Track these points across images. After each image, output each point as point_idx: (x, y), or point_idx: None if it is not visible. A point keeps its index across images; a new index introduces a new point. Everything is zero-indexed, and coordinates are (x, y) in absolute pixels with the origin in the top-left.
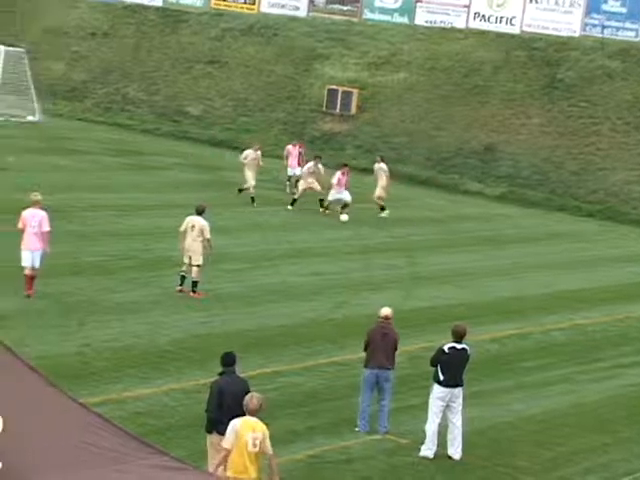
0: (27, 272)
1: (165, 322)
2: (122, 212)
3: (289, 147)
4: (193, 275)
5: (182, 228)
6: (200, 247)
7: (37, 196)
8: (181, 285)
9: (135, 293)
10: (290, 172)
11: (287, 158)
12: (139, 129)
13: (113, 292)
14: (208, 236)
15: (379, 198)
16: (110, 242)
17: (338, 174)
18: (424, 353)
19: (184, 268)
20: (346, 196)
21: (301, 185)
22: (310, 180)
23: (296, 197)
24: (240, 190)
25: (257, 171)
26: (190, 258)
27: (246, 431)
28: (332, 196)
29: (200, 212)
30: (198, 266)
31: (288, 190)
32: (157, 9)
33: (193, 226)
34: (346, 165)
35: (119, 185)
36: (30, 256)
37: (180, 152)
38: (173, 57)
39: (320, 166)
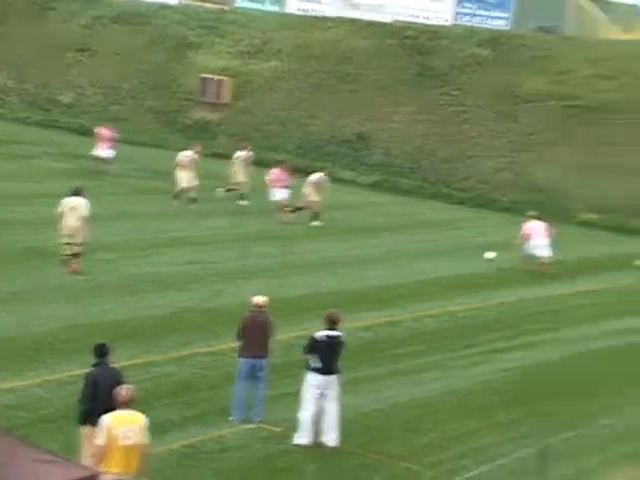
0: None
1: (40, 313)
2: None
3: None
4: (75, 250)
5: (59, 210)
6: (80, 227)
7: None
8: (67, 266)
9: (10, 284)
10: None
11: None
12: (9, 118)
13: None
14: (85, 214)
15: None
16: None
17: (276, 171)
18: (298, 341)
19: (67, 251)
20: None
21: (240, 177)
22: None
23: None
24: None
25: (195, 172)
26: (71, 237)
27: (117, 425)
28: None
29: (76, 193)
30: (79, 244)
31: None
32: None
33: (72, 207)
34: (284, 162)
35: None
36: None
37: (50, 141)
38: (43, 45)
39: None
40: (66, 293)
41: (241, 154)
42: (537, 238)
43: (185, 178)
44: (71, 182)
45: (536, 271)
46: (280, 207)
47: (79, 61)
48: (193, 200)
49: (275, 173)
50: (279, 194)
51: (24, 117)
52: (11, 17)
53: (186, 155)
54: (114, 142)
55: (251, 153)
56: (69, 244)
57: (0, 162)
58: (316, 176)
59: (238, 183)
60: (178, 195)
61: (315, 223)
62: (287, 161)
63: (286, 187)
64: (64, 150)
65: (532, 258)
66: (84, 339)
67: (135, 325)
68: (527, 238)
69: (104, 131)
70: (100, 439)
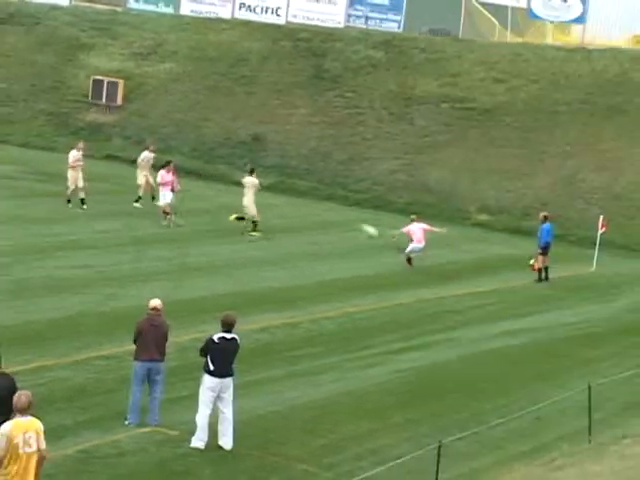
0: None
1: None
2: None
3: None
4: None
5: None
6: None
7: None
8: None
9: None
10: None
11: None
12: None
13: None
14: None
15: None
16: None
17: (162, 172)
18: (194, 344)
19: None
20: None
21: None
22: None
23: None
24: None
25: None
26: None
27: (18, 432)
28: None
29: None
30: None
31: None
32: None
33: None
34: (170, 162)
35: None
36: None
37: None
38: None
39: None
40: None
41: (147, 155)
42: (416, 243)
43: (74, 178)
44: None
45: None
46: (164, 209)
47: None
48: (81, 201)
49: (161, 175)
50: (163, 196)
51: None
52: None
53: (73, 155)
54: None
55: (153, 155)
56: None
57: None
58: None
59: (138, 186)
60: (70, 197)
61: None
62: (171, 163)
63: (171, 189)
64: None
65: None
66: None
67: (27, 329)
68: (409, 238)
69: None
70: (0, 449)
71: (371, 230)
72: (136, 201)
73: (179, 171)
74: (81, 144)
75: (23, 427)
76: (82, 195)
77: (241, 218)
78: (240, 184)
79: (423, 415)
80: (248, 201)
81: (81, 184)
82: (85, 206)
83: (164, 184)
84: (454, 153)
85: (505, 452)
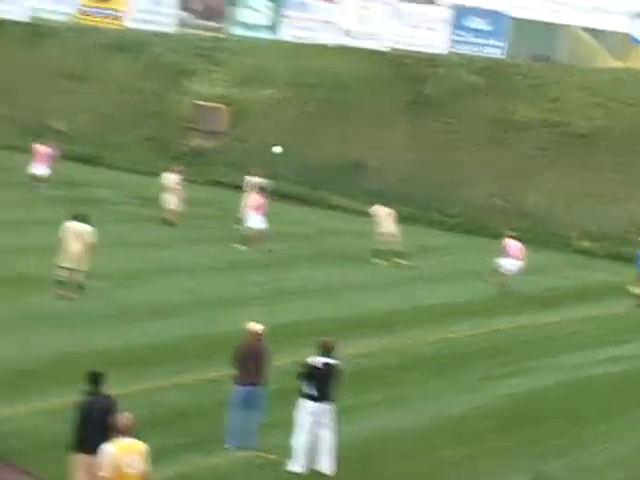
0: None
1: (32, 340)
2: None
3: None
4: (79, 280)
5: (63, 235)
6: (84, 253)
7: None
8: (61, 292)
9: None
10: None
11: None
12: (3, 145)
13: None
14: (91, 240)
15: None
16: None
17: (254, 196)
18: (293, 368)
19: (65, 274)
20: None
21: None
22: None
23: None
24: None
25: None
26: (72, 263)
27: (123, 454)
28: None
29: (81, 218)
30: (83, 271)
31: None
32: (20, 24)
33: (76, 233)
34: (262, 187)
35: None
36: None
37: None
38: (38, 73)
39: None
40: (59, 320)
41: (251, 179)
42: (512, 259)
43: (172, 201)
44: (66, 209)
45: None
46: (255, 235)
47: (74, 89)
48: (169, 222)
49: (252, 199)
50: (254, 221)
51: (18, 144)
52: (7, 44)
53: (171, 178)
54: (52, 160)
55: (257, 179)
56: (69, 269)
57: None
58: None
59: (242, 209)
60: (166, 220)
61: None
62: (264, 187)
63: (263, 214)
64: (59, 178)
65: (499, 274)
66: (77, 367)
67: (129, 353)
68: (506, 254)
69: (41, 149)
70: (105, 469)
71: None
72: (237, 224)
73: (280, 196)
74: (179, 168)
75: (127, 448)
76: (173, 218)
77: None
78: (340, 208)
79: (521, 441)
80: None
81: (179, 208)
82: (176, 229)
83: (255, 208)
84: (549, 177)
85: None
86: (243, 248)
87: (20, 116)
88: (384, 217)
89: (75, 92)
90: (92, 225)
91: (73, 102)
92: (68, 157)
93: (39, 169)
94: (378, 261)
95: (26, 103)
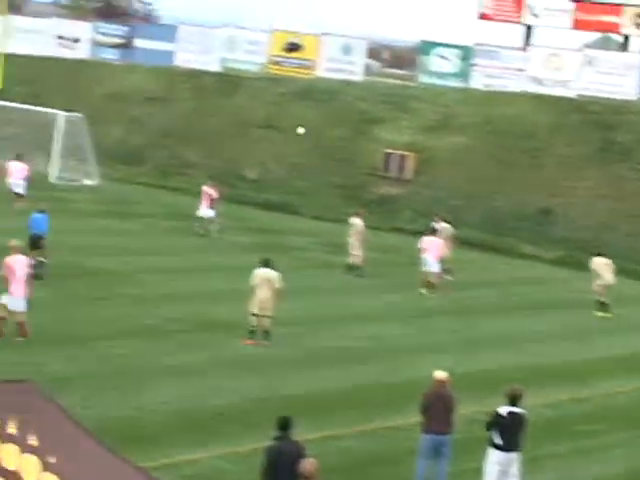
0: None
1: (220, 385)
2: (178, 274)
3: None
4: (266, 325)
5: (254, 282)
6: (272, 298)
7: (15, 242)
8: (251, 339)
9: (191, 356)
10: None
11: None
12: (195, 192)
13: (169, 354)
14: (278, 286)
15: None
16: (166, 305)
17: (426, 238)
18: (480, 417)
19: (254, 322)
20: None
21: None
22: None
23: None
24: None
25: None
26: (262, 309)
27: None
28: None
29: (267, 264)
30: (270, 317)
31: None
32: (214, 74)
33: (264, 279)
34: (435, 230)
35: (175, 248)
36: (19, 302)
37: (235, 215)
38: (230, 121)
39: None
40: (247, 365)
41: (436, 225)
42: None
43: (356, 245)
44: (256, 256)
45: None
46: (436, 279)
47: (264, 137)
48: (356, 269)
49: (426, 241)
50: (434, 265)
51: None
52: (202, 94)
53: (356, 222)
54: (215, 202)
55: (445, 225)
56: (258, 316)
57: (185, 237)
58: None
59: (441, 258)
60: (351, 266)
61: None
62: (436, 230)
63: (438, 258)
64: (249, 224)
65: None
66: (265, 412)
67: (316, 398)
68: None
69: (208, 190)
70: None
71: None
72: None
73: (464, 243)
74: (362, 211)
75: None
76: (358, 262)
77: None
78: (527, 256)
79: None
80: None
81: (362, 252)
82: (360, 275)
83: (436, 252)
84: None
85: None
86: (424, 292)
87: (213, 164)
88: (603, 268)
89: (266, 140)
90: (278, 270)
91: (264, 150)
92: (258, 204)
93: (204, 211)
94: (601, 314)
95: (219, 151)
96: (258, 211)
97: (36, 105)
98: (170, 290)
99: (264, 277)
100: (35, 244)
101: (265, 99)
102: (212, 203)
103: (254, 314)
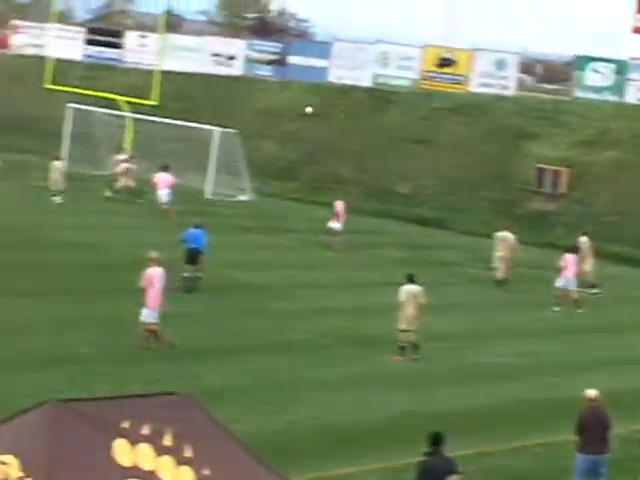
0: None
1: (371, 400)
2: (329, 289)
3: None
4: (414, 339)
5: (401, 298)
6: (417, 314)
7: (155, 254)
8: (401, 355)
9: (341, 370)
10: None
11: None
12: (348, 207)
13: (319, 369)
14: (422, 301)
15: (586, 273)
16: (317, 319)
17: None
18: (635, 436)
19: (403, 338)
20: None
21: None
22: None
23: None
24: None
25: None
26: (410, 325)
27: None
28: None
29: (411, 280)
30: (416, 332)
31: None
32: (366, 90)
33: (410, 294)
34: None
35: (326, 263)
36: (153, 314)
37: (388, 231)
38: (382, 136)
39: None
40: (397, 380)
41: (583, 240)
42: None
43: (504, 258)
44: (407, 270)
45: None
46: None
47: (416, 152)
48: (504, 284)
49: (568, 259)
50: (569, 282)
51: (361, 207)
52: (354, 109)
53: (505, 237)
54: (341, 217)
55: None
56: (406, 331)
57: (337, 252)
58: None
59: (584, 272)
60: (500, 281)
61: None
62: (578, 250)
63: (575, 274)
64: (401, 240)
65: None
66: (415, 427)
67: (467, 415)
68: None
69: (338, 205)
70: None
71: None
72: (593, 288)
73: (619, 258)
74: (510, 224)
75: None
76: (505, 275)
77: None
78: None
79: None
80: None
81: (510, 265)
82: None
83: (570, 267)
84: None
85: None
86: (557, 309)
87: (366, 179)
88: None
89: (418, 155)
90: (426, 285)
91: (416, 165)
92: (410, 219)
93: (334, 223)
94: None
95: (372, 166)
96: (409, 226)
97: (191, 121)
98: (322, 305)
99: (410, 293)
100: (192, 259)
101: (417, 114)
102: (338, 217)
103: (402, 330)
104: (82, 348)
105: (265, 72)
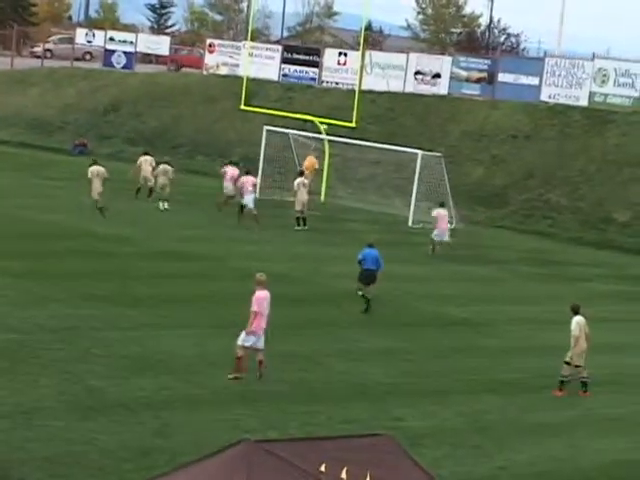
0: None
1: (588, 445)
2: (540, 325)
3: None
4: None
5: (577, 332)
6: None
7: (263, 276)
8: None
9: (555, 413)
10: None
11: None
12: (561, 237)
13: (531, 411)
14: (576, 333)
15: None
16: (527, 358)
17: None
18: None
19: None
20: None
21: None
22: None
23: None
24: None
25: None
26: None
27: None
28: None
29: (577, 311)
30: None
31: None
32: (582, 109)
33: (583, 327)
34: None
35: (537, 296)
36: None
37: (603, 262)
38: (598, 160)
39: None
40: (611, 425)
41: None
42: None
43: None
44: (621, 307)
45: None
46: None
47: (637, 176)
48: None
49: None
50: None
51: (576, 237)
52: (568, 130)
53: None
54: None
55: None
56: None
57: (549, 284)
58: None
59: None
60: None
61: None
62: None
63: None
64: (618, 272)
65: None
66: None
67: None
68: None
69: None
70: None
71: None
72: None
73: None
74: None
75: None
76: None
77: None
78: None
79: None
80: None
81: None
82: None
83: None
84: None
85: None
86: None
87: (580, 206)
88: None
89: (638, 180)
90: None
91: (637, 191)
92: (629, 250)
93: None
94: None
95: (586, 192)
96: (629, 257)
97: (391, 144)
98: (532, 342)
99: (582, 324)
100: (369, 280)
101: (638, 136)
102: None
103: (577, 365)
104: (274, 385)
105: (472, 91)
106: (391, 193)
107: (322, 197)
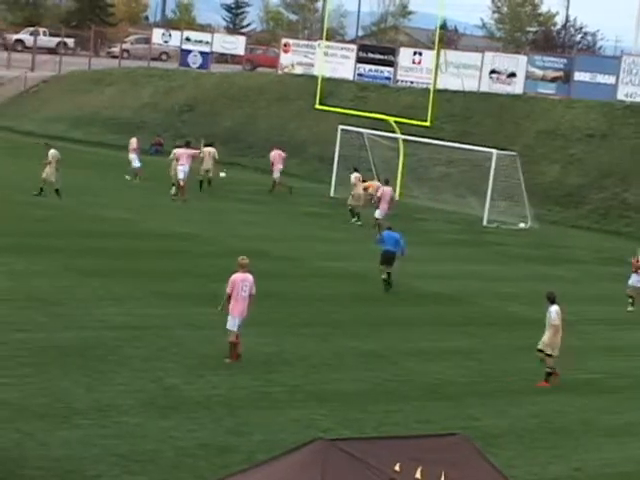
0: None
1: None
2: (615, 326)
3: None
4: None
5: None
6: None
7: (245, 260)
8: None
9: (633, 414)
10: None
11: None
12: (637, 236)
13: (608, 412)
14: (557, 323)
15: None
16: (606, 358)
17: None
18: None
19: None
20: None
21: None
22: None
23: None
24: None
25: None
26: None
27: None
28: None
29: (553, 300)
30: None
31: None
32: None
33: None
34: None
35: (613, 296)
36: (238, 322)
37: None
38: None
39: None
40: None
41: None
42: None
43: None
44: None
45: None
46: None
47: None
48: None
49: None
50: None
51: None
52: None
53: None
54: None
55: None
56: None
57: (622, 284)
58: None
59: None
60: None
61: None
62: None
63: None
64: None
65: None
66: None
67: None
68: None
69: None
70: None
71: None
72: None
73: None
74: None
75: None
76: None
77: None
78: None
79: None
80: None
81: None
82: None
83: None
84: None
85: None
86: None
87: None
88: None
89: None
90: None
91: None
92: None
93: None
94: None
95: None
96: None
97: (466, 143)
98: (608, 342)
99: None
100: (388, 260)
101: None
102: None
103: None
104: (349, 385)
105: (548, 90)
106: (466, 192)
107: (397, 196)
